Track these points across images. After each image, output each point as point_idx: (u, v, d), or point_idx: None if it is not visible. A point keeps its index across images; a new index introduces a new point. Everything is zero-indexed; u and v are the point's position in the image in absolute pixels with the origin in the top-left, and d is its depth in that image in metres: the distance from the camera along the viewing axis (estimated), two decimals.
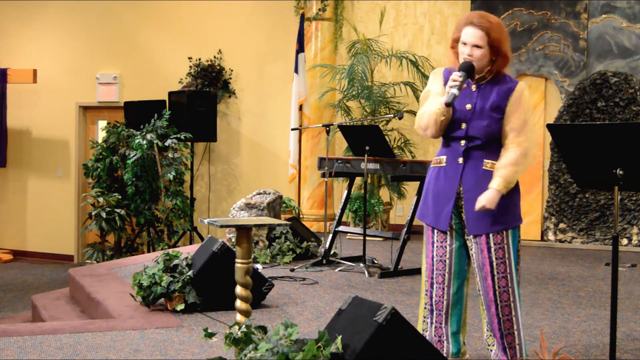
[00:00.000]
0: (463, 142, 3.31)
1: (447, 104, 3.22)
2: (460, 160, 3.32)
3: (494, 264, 3.28)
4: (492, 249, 3.27)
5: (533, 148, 3.28)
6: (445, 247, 3.39)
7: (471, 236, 3.32)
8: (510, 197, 3.29)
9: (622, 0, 8.12)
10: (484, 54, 3.26)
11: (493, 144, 3.29)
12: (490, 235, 3.27)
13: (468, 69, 3.25)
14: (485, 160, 3.29)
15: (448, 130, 3.35)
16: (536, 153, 3.31)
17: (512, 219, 3.30)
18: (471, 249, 3.34)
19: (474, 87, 3.33)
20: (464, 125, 3.30)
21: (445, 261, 3.39)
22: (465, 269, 3.42)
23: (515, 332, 3.31)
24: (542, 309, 4.96)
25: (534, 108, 3.41)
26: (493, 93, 3.29)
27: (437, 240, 3.41)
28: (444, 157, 3.39)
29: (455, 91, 3.20)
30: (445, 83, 3.35)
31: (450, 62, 3.41)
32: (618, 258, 3.06)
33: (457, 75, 3.22)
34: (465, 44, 3.28)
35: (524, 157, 3.24)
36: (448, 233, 3.38)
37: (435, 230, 3.41)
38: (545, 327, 4.44)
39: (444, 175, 3.37)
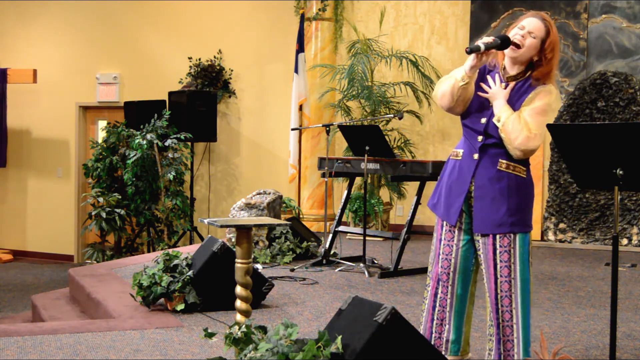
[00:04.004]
0: (480, 138, 3.24)
1: (468, 50, 3.11)
2: (476, 156, 3.25)
3: (498, 266, 3.21)
4: (498, 251, 3.21)
5: (535, 139, 3.11)
6: (452, 245, 3.35)
7: (479, 236, 3.28)
8: (522, 200, 3.23)
9: (622, 0, 8.13)
10: (533, 46, 3.17)
11: None
12: (497, 236, 3.21)
13: (503, 39, 3.15)
14: (500, 160, 3.21)
15: (468, 122, 3.29)
16: (533, 145, 3.12)
17: (521, 223, 3.22)
18: (479, 250, 3.30)
19: (498, 81, 3.24)
20: (483, 120, 3.23)
21: (450, 260, 3.36)
22: (471, 269, 3.38)
23: (515, 340, 3.21)
24: (542, 309, 4.96)
25: (554, 112, 3.30)
26: (518, 94, 3.21)
27: (444, 238, 3.37)
28: (461, 151, 3.33)
29: (481, 45, 3.11)
30: (479, 74, 3.27)
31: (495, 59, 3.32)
32: (618, 258, 3.05)
33: (491, 38, 3.15)
34: (522, 28, 3.19)
35: (523, 129, 3.10)
36: (456, 231, 3.34)
37: (444, 227, 3.37)
38: (545, 327, 4.44)
39: (459, 169, 3.31)
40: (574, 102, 8.20)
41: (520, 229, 3.22)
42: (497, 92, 3.21)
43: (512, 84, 3.24)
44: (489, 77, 3.27)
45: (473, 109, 3.28)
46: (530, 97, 3.18)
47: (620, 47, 8.14)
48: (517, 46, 3.18)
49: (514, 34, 3.20)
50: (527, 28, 3.18)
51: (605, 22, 8.20)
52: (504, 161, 3.22)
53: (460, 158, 3.32)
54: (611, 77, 8.04)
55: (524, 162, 3.26)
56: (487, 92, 3.25)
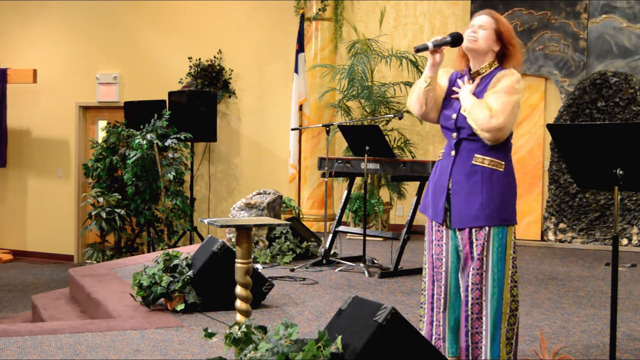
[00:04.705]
0: (455, 135, 3.32)
1: (416, 49, 3.28)
2: (453, 153, 3.33)
3: (473, 259, 3.24)
4: (474, 245, 3.24)
5: (497, 117, 3.14)
6: (442, 245, 3.38)
7: (458, 232, 3.31)
8: (498, 194, 3.23)
9: (622, 0, 8.13)
10: (488, 36, 3.27)
11: None
12: (473, 230, 3.24)
13: (454, 36, 3.29)
14: (476, 155, 3.26)
15: (442, 122, 3.39)
16: (496, 123, 3.14)
17: (497, 217, 3.22)
18: (459, 246, 3.33)
19: (467, 80, 3.34)
20: (454, 116, 3.32)
21: (442, 259, 3.38)
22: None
23: (484, 332, 3.22)
24: (542, 309, 4.96)
25: (520, 93, 3.30)
26: (483, 84, 3.29)
27: (435, 239, 3.41)
28: (442, 151, 3.43)
29: (430, 44, 3.26)
30: (450, 82, 3.40)
31: (460, 67, 3.44)
32: (618, 258, 3.05)
33: (441, 36, 3.31)
34: (472, 26, 3.30)
35: (484, 109, 3.16)
36: (444, 231, 3.37)
37: (434, 228, 3.41)
38: (545, 327, 4.44)
39: (440, 168, 3.39)
40: (574, 102, 8.20)
41: (496, 222, 3.23)
42: (463, 88, 3.32)
43: (477, 79, 3.33)
44: (459, 81, 3.38)
45: (444, 109, 3.38)
46: (492, 83, 3.27)
47: (620, 47, 8.14)
48: (473, 42, 3.30)
49: (466, 34, 3.32)
50: (476, 24, 3.30)
51: (605, 22, 8.19)
52: (479, 156, 3.27)
53: (442, 158, 3.42)
54: (611, 77, 8.04)
55: (502, 156, 3.28)
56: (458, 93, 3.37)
